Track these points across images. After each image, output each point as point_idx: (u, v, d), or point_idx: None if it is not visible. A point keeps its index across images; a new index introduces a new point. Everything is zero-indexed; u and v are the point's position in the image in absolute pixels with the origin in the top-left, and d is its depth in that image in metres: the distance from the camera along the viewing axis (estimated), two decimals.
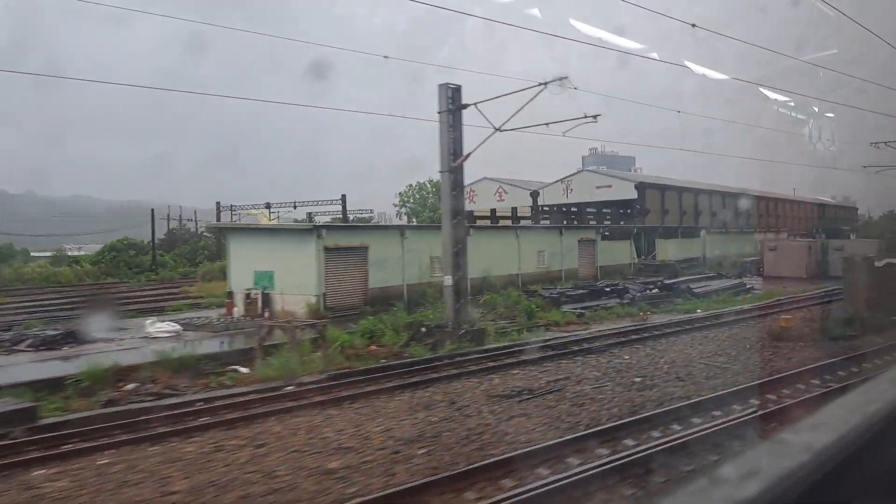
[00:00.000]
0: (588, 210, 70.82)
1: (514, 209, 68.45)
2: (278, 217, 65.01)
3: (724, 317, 23.80)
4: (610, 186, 62.91)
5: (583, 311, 24.73)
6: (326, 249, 24.23)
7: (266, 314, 24.38)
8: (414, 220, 68.91)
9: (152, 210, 56.34)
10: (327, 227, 26.23)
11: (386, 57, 21.26)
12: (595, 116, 18.25)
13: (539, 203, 66.61)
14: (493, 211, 69.91)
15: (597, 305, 25.83)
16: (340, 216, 59.88)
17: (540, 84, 17.70)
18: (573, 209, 68.71)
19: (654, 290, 30.63)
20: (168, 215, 65.91)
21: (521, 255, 35.75)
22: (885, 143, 28.42)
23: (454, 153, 19.65)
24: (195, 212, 66.54)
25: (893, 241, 65.34)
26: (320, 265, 23.93)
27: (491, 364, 15.65)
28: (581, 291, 27.29)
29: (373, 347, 17.71)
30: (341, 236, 24.71)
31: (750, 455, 1.17)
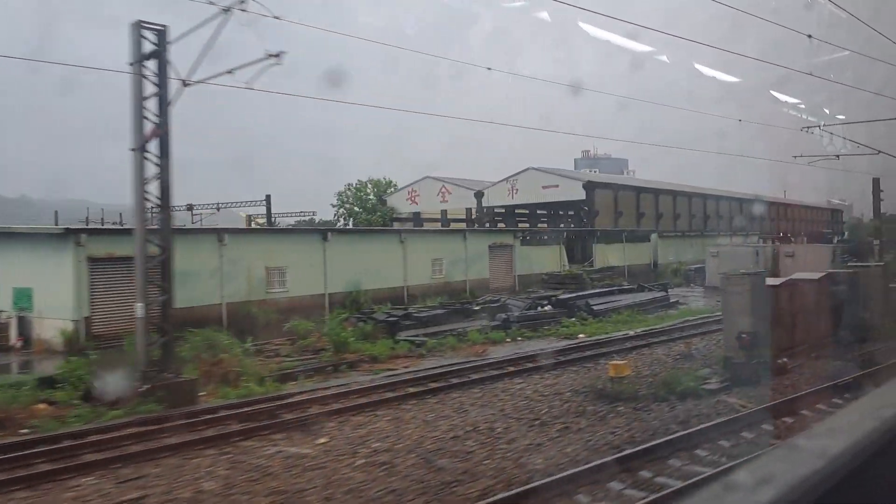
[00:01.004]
0: (540, 213, 65.83)
1: (443, 212, 63.44)
2: (201, 220, 59.96)
3: (594, 347, 18.69)
4: (557, 186, 57.74)
5: (426, 338, 19.55)
6: (92, 260, 19.00)
7: (17, 343, 19.19)
8: (350, 222, 63.75)
9: None
10: (92, 231, 20.97)
11: None
12: (278, 55, 12.93)
13: (484, 204, 61.47)
14: (445, 213, 64.84)
15: (450, 331, 20.64)
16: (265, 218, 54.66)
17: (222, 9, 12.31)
18: (517, 211, 63.59)
19: (545, 307, 25.49)
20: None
21: (409, 264, 30.56)
22: (820, 126, 23.36)
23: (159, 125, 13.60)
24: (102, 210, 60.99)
25: (855, 248, 60.34)
26: (80, 281, 18.70)
27: (133, 448, 10.35)
28: (438, 312, 22.09)
29: (41, 406, 12.52)
30: (116, 243, 19.47)
31: (764, 460, 1.17)
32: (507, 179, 60.33)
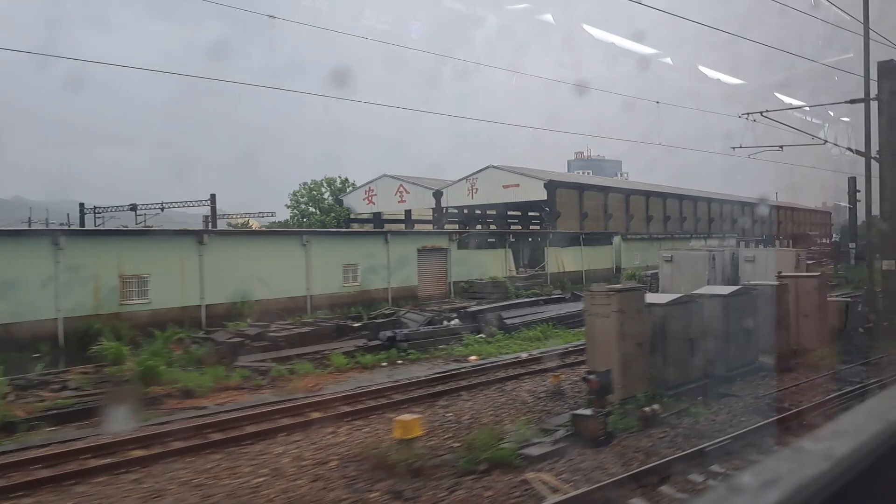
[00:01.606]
0: (510, 213, 62.61)
1: (406, 212, 60.15)
2: (145, 221, 56.73)
3: (468, 376, 15.42)
4: (518, 186, 54.50)
5: (274, 363, 16.25)
6: None
7: None
8: (303, 222, 60.44)
9: None
10: None
11: None
12: None
13: (443, 204, 58.23)
14: (408, 213, 61.57)
15: (313, 354, 17.34)
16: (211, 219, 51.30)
17: None
18: (479, 212, 60.35)
19: (452, 321, 22.25)
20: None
21: (314, 270, 27.27)
22: (762, 113, 20.15)
23: None
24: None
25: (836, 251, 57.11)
26: None
27: None
28: (305, 330, 18.77)
29: None
30: None
31: (769, 463, 1.16)
32: (466, 178, 57.07)
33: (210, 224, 49.79)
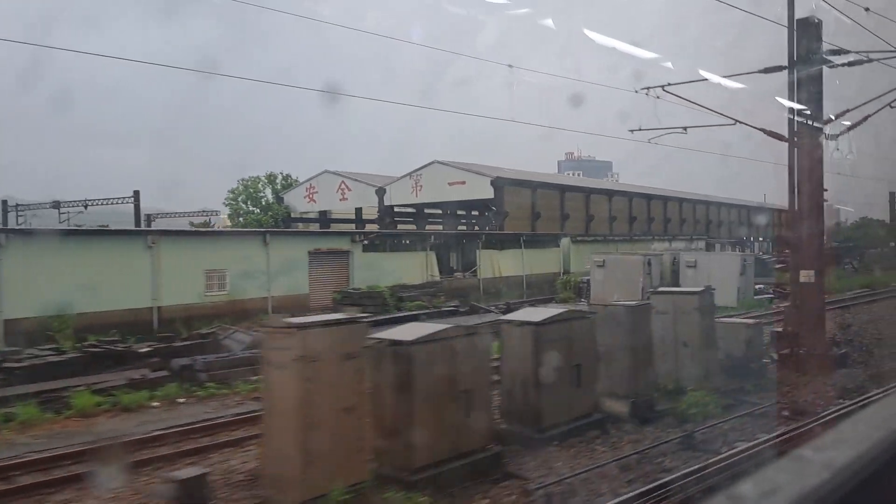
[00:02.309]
0: (461, 212, 58.60)
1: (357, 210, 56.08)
2: (68, 219, 52.61)
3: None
4: (464, 183, 50.48)
5: None
6: None
7: None
8: (238, 222, 56.39)
9: None
10: None
11: None
12: None
13: (386, 203, 54.18)
14: (359, 211, 57.47)
15: (52, 392, 13.28)
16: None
17: None
18: (427, 211, 56.22)
19: None
20: None
21: (165, 276, 23.22)
22: (663, 87, 16.14)
23: None
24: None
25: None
26: None
27: None
28: (61, 359, 14.65)
29: None
30: None
31: (769, 472, 1.15)
32: (410, 175, 53.01)
33: (145, 223, 45.78)
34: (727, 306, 27.91)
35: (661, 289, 16.48)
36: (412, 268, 33.62)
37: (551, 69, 68.41)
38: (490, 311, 24.35)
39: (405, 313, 22.66)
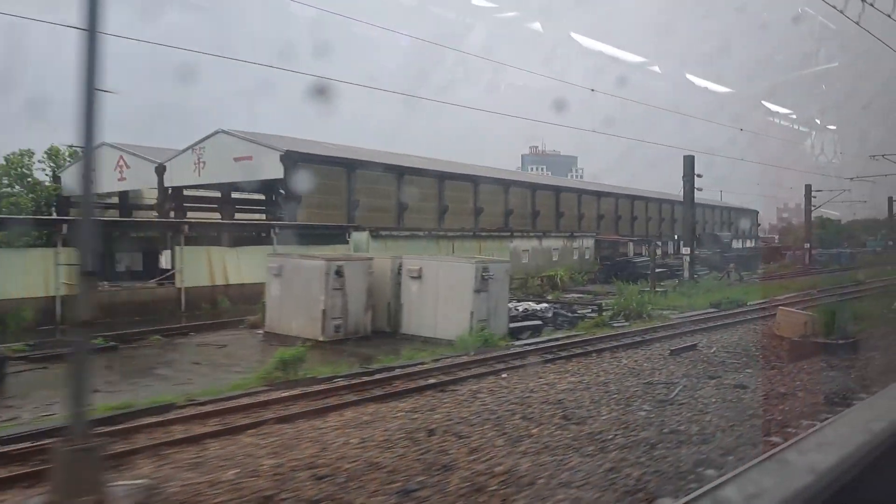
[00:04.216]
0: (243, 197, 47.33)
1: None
2: None
3: None
4: (251, 158, 39.32)
5: None
6: None
7: None
8: None
9: None
10: None
11: None
12: None
13: (167, 183, 42.83)
14: (124, 196, 45.94)
15: None
16: None
17: None
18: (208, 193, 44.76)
19: None
20: None
21: None
22: None
23: None
24: None
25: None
26: None
27: None
28: None
29: None
30: None
31: (753, 475, 1.15)
32: (192, 148, 41.66)
33: None
34: (449, 339, 17.50)
35: None
36: (29, 272, 22.43)
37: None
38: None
39: None
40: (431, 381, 12.67)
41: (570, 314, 22.50)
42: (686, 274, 35.44)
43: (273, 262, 20.38)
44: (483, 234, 43.24)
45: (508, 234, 45.80)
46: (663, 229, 79.33)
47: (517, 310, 22.61)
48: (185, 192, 45.68)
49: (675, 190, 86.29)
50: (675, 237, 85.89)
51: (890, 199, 68.05)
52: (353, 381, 12.91)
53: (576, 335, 19.58)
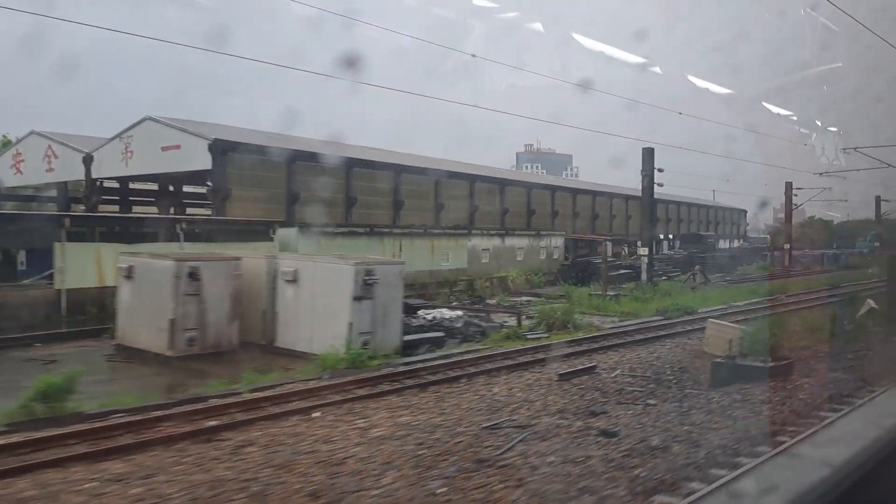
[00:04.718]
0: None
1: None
2: None
3: None
4: (178, 147, 36.38)
5: None
6: None
7: None
8: None
9: None
10: None
11: None
12: None
13: (95, 175, 39.88)
14: (64, 187, 42.92)
15: None
16: None
17: None
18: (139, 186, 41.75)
19: None
20: None
21: None
22: None
23: None
24: None
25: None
26: None
27: None
28: None
29: None
30: None
31: (768, 469, 1.20)
32: (120, 137, 38.67)
33: None
34: (325, 356, 14.65)
35: None
36: None
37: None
38: None
39: None
40: (213, 422, 9.77)
41: (483, 324, 19.60)
42: (644, 276, 32.50)
43: (123, 262, 17.47)
44: (436, 231, 40.25)
45: (466, 231, 42.82)
46: (631, 227, 76.37)
47: (425, 318, 19.76)
48: (131, 186, 43.00)
49: (676, 190, 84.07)
50: (661, 237, 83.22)
51: (878, 199, 65.38)
52: (130, 419, 10.05)
53: (476, 350, 16.73)
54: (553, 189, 61.91)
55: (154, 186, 42.82)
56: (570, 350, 16.12)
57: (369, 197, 41.97)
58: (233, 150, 35.07)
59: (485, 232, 44.93)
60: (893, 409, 1.46)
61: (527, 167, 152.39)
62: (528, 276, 37.98)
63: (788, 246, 51.75)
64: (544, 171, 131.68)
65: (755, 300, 28.34)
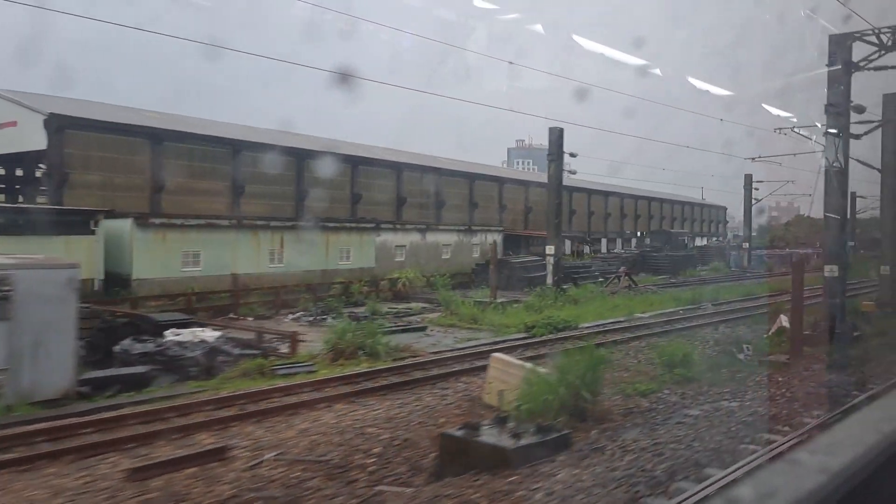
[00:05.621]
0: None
1: None
2: None
3: None
4: (15, 124, 30.99)
5: None
6: None
7: None
8: None
9: None
10: None
11: None
12: None
13: None
14: None
15: None
16: None
17: None
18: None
19: None
20: None
21: None
22: None
23: None
24: None
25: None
26: None
27: None
28: None
29: None
30: None
31: (765, 475, 1.15)
32: None
33: None
34: None
35: None
36: None
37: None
38: None
39: None
40: None
41: (237, 351, 14.19)
42: (549, 280, 27.23)
43: None
44: (332, 225, 34.86)
45: (373, 225, 37.45)
46: (609, 225, 71.17)
47: (171, 342, 14.37)
48: None
49: (674, 189, 78.49)
50: (639, 234, 77.81)
51: (853, 195, 60.11)
52: None
53: (176, 395, 11.40)
54: (501, 181, 56.62)
55: None
56: (313, 397, 10.76)
57: (265, 187, 36.54)
58: (73, 127, 29.67)
59: (399, 226, 39.59)
60: (892, 413, 1.34)
61: (518, 162, 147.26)
62: (432, 278, 32.61)
63: (748, 245, 46.58)
64: (535, 168, 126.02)
65: (668, 310, 23.15)
